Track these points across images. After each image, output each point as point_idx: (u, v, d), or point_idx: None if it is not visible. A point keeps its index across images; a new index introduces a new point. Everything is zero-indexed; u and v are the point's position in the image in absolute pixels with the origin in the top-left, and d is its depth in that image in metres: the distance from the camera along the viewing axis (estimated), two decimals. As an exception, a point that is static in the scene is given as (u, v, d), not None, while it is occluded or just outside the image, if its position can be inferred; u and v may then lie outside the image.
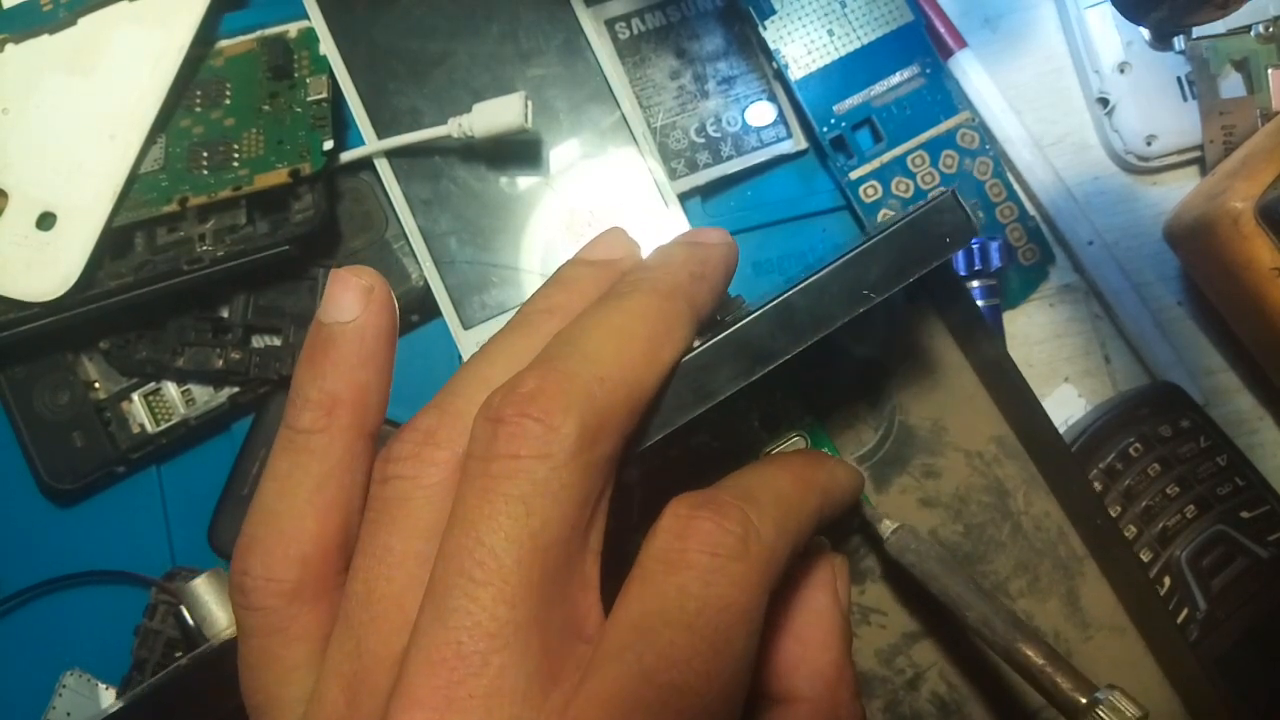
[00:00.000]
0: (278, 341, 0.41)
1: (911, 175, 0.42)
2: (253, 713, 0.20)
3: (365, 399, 0.22)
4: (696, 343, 0.23)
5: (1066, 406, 0.42)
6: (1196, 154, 0.43)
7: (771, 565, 0.20)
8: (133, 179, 0.39)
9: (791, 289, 0.23)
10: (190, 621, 0.38)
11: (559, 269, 0.25)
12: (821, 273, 0.23)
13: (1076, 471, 0.30)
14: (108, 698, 0.40)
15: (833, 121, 0.42)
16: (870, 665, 0.29)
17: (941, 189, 0.23)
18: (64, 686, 0.40)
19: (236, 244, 0.39)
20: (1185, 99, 0.42)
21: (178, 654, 0.39)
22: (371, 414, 0.22)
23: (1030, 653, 0.24)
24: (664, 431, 0.22)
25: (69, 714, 0.39)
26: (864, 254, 0.23)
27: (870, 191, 0.42)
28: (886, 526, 0.27)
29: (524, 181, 0.41)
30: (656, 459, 0.27)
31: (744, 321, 0.23)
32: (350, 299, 0.22)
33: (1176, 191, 0.43)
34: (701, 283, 0.23)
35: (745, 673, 0.20)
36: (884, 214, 0.42)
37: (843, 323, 0.23)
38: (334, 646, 0.19)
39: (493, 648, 0.17)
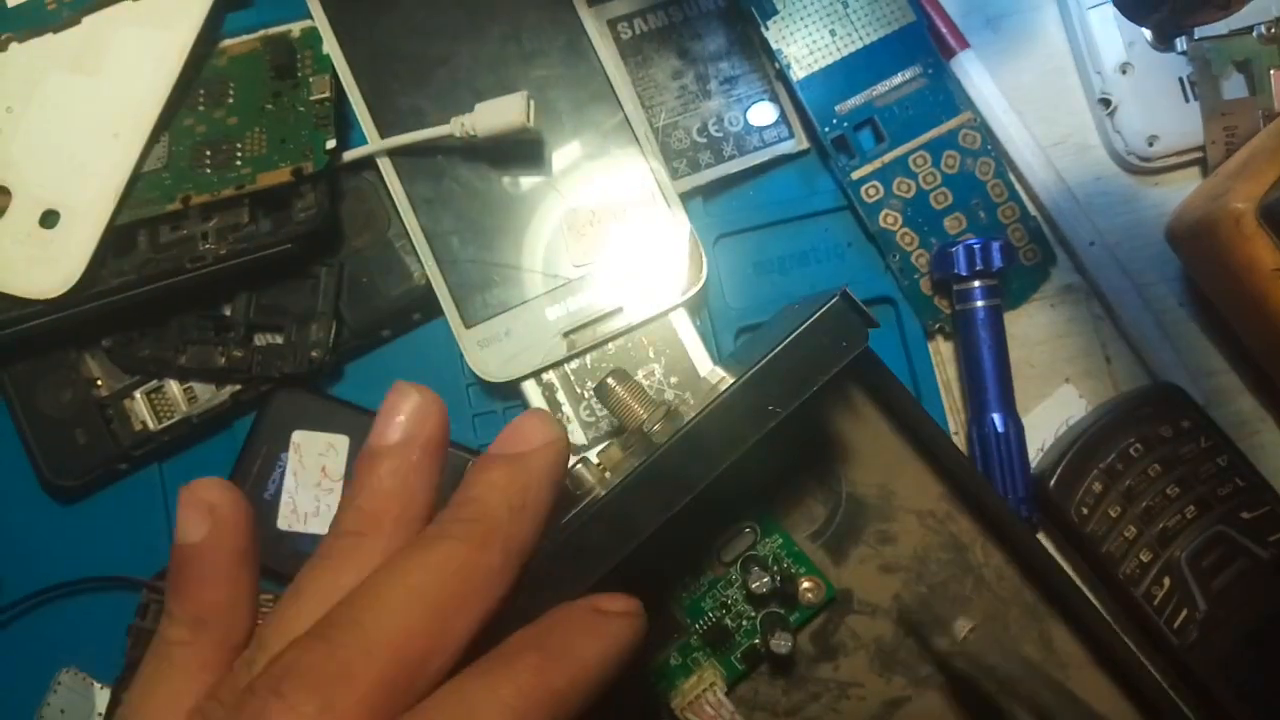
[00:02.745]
0: (280, 339, 0.41)
1: (913, 175, 0.42)
2: None
3: (224, 616, 0.22)
4: (613, 479, 0.23)
5: (1067, 407, 0.42)
6: (1198, 155, 0.43)
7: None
8: (136, 177, 0.39)
9: (695, 416, 0.23)
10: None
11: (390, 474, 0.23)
12: (723, 395, 0.23)
13: (1021, 529, 0.30)
14: (103, 697, 0.40)
15: (835, 121, 0.42)
16: None
17: (831, 291, 0.23)
18: (59, 684, 0.40)
19: (239, 242, 0.39)
20: (1187, 100, 0.42)
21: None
22: (236, 626, 0.22)
23: None
24: (593, 577, 0.22)
25: (63, 711, 0.39)
26: (762, 373, 0.23)
27: (872, 191, 0.42)
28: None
29: (526, 181, 0.41)
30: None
31: (654, 456, 0.23)
32: (195, 520, 0.22)
33: (1178, 192, 0.43)
34: (522, 514, 0.22)
35: None
36: (884, 215, 0.42)
37: (755, 440, 0.23)
38: None
39: None
